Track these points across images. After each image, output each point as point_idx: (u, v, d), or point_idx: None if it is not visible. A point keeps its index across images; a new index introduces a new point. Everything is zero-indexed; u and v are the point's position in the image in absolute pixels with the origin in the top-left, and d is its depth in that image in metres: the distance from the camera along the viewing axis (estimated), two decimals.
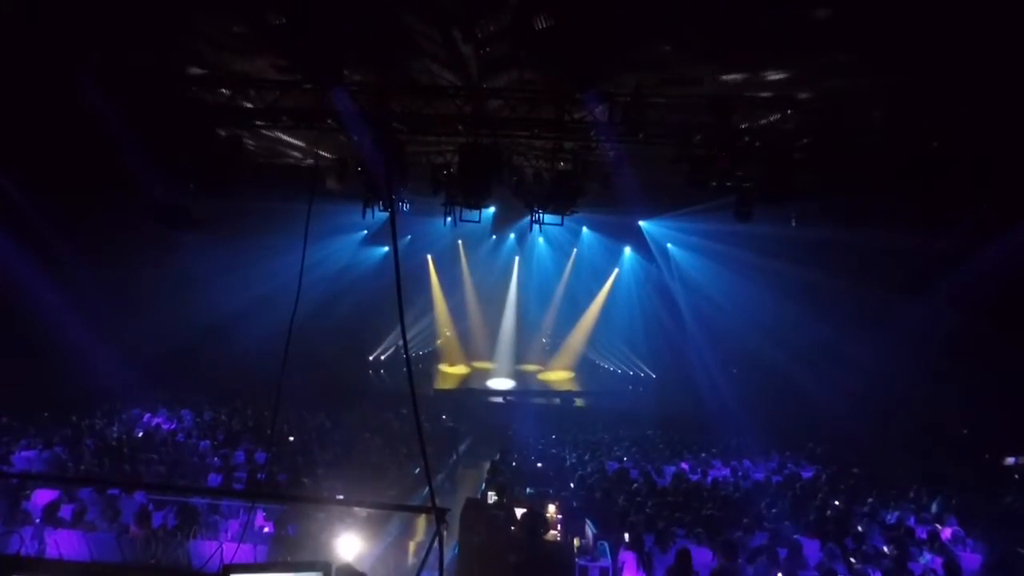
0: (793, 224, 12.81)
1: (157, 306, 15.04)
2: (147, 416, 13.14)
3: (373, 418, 14.74)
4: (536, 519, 6.48)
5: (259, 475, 9.00)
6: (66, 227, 12.51)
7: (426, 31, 7.35)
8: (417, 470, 10.96)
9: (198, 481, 9.00)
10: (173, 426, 12.65)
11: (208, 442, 11.26)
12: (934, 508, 9.91)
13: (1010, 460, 13.53)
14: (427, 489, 3.72)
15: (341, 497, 8.22)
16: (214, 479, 9.06)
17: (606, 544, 7.56)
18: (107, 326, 13.86)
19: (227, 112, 8.65)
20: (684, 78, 7.44)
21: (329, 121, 8.37)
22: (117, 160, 8.51)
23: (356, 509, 6.79)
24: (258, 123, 8.90)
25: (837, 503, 10.00)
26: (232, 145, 9.60)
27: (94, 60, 7.53)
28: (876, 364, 14.74)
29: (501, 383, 21.32)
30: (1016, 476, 12.96)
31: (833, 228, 11.04)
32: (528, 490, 9.83)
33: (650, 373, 21.38)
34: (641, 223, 17.78)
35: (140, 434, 11.81)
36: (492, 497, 8.41)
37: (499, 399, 18.99)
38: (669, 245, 18.87)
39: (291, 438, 11.66)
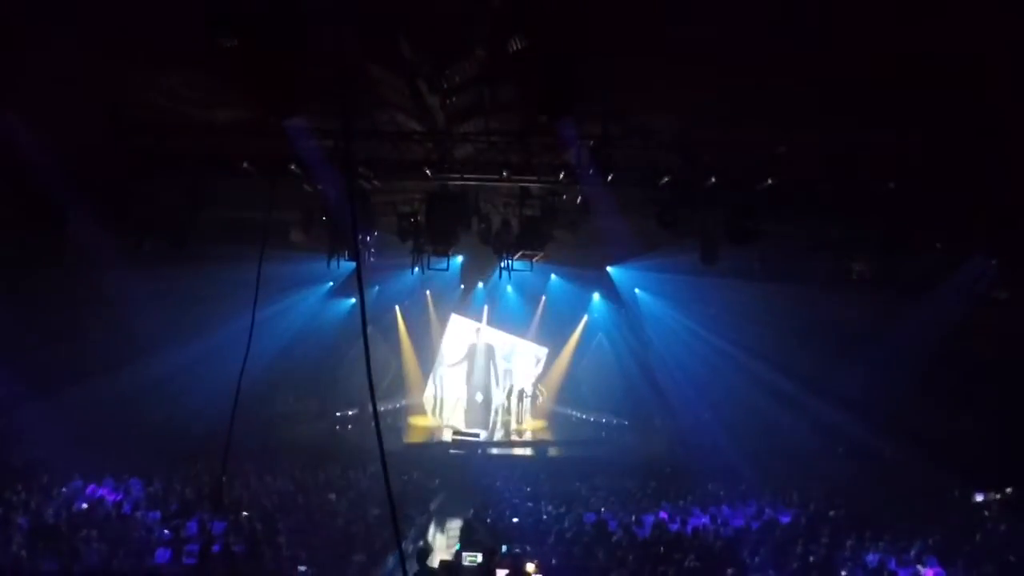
0: (757, 266, 13.14)
1: (101, 366, 14.08)
2: (90, 488, 12.14)
3: (339, 478, 14.00)
4: None
5: (214, 547, 8.32)
6: None
7: (392, 82, 7.39)
8: (386, 533, 10.34)
9: (143, 559, 8.24)
10: (119, 497, 11.71)
11: (158, 513, 10.42)
12: (914, 550, 9.86)
13: (979, 496, 13.67)
14: (397, 553, 3.41)
15: (303, 569, 7.63)
16: (162, 554, 8.33)
17: None
18: (44, 390, 12.91)
19: (186, 161, 8.44)
20: (649, 127, 7.63)
21: (293, 167, 8.23)
22: (56, 212, 8.14)
23: None
24: (219, 171, 8.71)
25: (817, 548, 9.87)
26: (191, 196, 9.37)
27: (37, 111, 7.28)
28: (849, 400, 14.86)
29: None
30: (986, 513, 13.06)
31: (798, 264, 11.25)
32: (504, 548, 9.37)
33: (623, 420, 21.13)
34: (609, 268, 17.91)
35: (84, 506, 10.86)
36: (467, 559, 7.97)
37: (475, 449, 18.39)
38: (637, 290, 19.00)
39: (244, 513, 10.72)
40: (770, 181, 8.03)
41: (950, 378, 12.83)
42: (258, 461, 14.11)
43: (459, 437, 18.89)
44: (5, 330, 12.09)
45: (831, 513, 12.20)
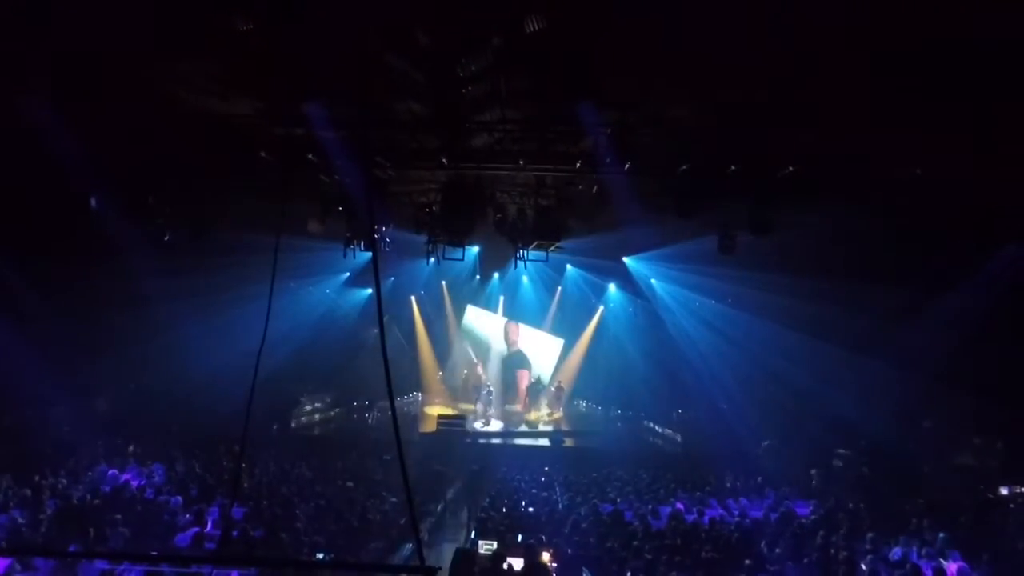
0: (776, 257, 12.91)
1: (127, 355, 14.36)
2: (111, 472, 12.40)
3: (356, 466, 14.16)
4: (534, 571, 6.11)
5: (233, 532, 8.44)
6: (28, 274, 11.86)
7: (408, 71, 7.35)
8: (403, 520, 10.44)
9: (166, 542, 8.40)
10: (142, 482, 11.95)
11: (180, 498, 10.62)
12: (937, 543, 9.69)
13: (1004, 490, 13.46)
14: (414, 541, 3.41)
15: (321, 556, 7.72)
16: (183, 538, 8.48)
17: None
18: (72, 378, 13.17)
19: (205, 152, 8.49)
20: (666, 115, 7.49)
21: (310, 157, 8.24)
22: (85, 203, 8.26)
23: None
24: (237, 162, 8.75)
25: (837, 540, 9.74)
26: (210, 186, 9.43)
27: (64, 103, 7.36)
28: (867, 392, 14.64)
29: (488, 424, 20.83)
30: (1011, 506, 12.82)
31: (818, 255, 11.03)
32: (519, 537, 9.39)
33: (639, 411, 21.06)
34: (625, 259, 17.78)
35: (108, 489, 11.10)
36: (483, 547, 8.00)
37: (486, 440, 18.47)
38: (653, 281, 18.85)
39: (266, 501, 10.85)
40: (791, 169, 7.86)
41: (973, 371, 12.55)
42: (276, 449, 14.32)
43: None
44: (39, 327, 12.37)
45: (851, 505, 12.04)
